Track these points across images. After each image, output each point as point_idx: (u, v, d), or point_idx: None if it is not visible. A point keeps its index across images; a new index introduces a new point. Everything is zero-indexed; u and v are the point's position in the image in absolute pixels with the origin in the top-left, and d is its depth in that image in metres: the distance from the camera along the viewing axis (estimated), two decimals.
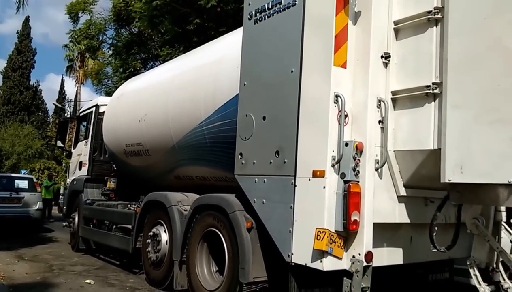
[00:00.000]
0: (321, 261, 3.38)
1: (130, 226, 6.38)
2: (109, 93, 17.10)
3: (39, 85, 44.13)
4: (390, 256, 3.84)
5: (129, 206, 7.06)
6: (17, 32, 41.41)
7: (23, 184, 11.77)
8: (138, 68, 17.58)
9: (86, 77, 30.88)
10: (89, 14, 18.43)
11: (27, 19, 41.42)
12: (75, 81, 35.64)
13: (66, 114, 31.46)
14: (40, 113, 42.62)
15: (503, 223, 3.59)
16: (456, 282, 5.03)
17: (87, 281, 6.06)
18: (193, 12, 11.58)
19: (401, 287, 4.68)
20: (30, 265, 7.22)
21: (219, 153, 5.21)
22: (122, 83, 16.14)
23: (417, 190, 3.72)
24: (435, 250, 3.48)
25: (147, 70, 17.93)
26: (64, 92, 45.52)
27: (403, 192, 3.64)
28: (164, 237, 5.57)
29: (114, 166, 8.38)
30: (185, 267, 5.05)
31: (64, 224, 9.36)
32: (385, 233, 3.74)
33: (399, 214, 3.70)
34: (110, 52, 19.25)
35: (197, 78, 5.52)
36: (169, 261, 5.38)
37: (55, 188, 17.25)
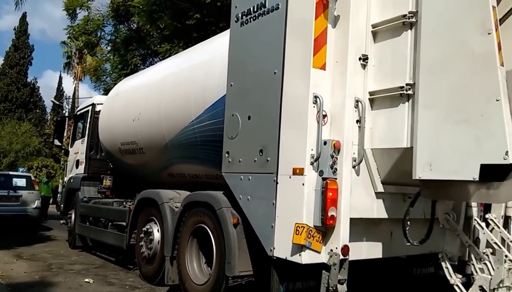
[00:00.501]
0: (299, 255, 3.59)
1: (124, 223, 6.60)
2: (107, 90, 17.10)
3: (36, 82, 44.34)
4: (369, 250, 4.05)
5: (124, 203, 7.28)
6: (14, 29, 41.69)
7: (21, 182, 11.87)
8: (137, 64, 17.46)
9: (85, 74, 30.93)
10: (87, 10, 18.41)
11: (24, 16, 41.58)
12: (73, 78, 35.64)
13: (64, 112, 31.68)
14: (38, 111, 42.74)
15: (475, 218, 3.78)
16: (441, 276, 5.21)
17: (86, 280, 6.11)
18: (193, 7, 11.62)
19: (385, 282, 4.88)
20: (28, 264, 7.26)
21: (209, 151, 5.41)
22: (121, 80, 16.30)
23: (395, 186, 3.91)
24: (409, 243, 3.67)
25: (146, 66, 17.92)
26: (62, 89, 45.46)
27: (380, 188, 3.84)
28: (157, 233, 5.81)
29: (110, 164, 8.60)
30: (176, 262, 5.27)
31: (61, 221, 9.63)
32: (364, 227, 3.95)
33: (377, 210, 3.90)
34: (109, 48, 19.17)
35: (188, 78, 5.75)
36: (161, 256, 5.61)
37: (53, 185, 17.44)
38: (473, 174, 2.96)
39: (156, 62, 17.19)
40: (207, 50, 5.75)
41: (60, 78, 47.28)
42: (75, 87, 35.53)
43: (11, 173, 14.32)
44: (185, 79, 5.84)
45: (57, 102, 37.31)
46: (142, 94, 6.99)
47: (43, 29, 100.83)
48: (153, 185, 6.49)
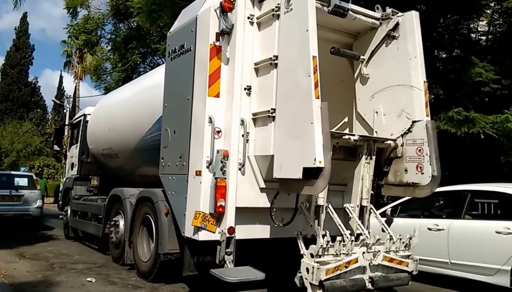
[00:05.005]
0: (197, 234, 5.23)
1: (101, 216, 8.37)
2: (108, 89, 18.56)
3: (37, 82, 46.43)
4: (262, 232, 5.59)
5: (106, 200, 9.03)
6: (15, 29, 44.12)
7: (23, 182, 12.73)
8: (137, 62, 18.70)
9: (85, 73, 32.37)
10: (87, 9, 19.71)
11: (24, 16, 43.95)
12: (73, 77, 37.69)
13: (65, 111, 33.40)
14: (39, 110, 44.79)
15: (329, 208, 5.22)
16: None
17: (89, 279, 6.47)
18: None
19: None
20: (31, 263, 7.68)
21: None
22: (121, 79, 17.88)
23: (276, 183, 5.43)
24: (276, 225, 5.22)
25: (147, 64, 19.36)
26: (63, 88, 47.62)
27: (262, 184, 5.40)
28: (122, 223, 7.53)
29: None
30: (132, 245, 6.98)
31: (60, 216, 11.57)
32: (257, 214, 5.48)
33: (263, 201, 5.43)
34: (109, 47, 20.47)
35: (144, 98, 7.54)
36: (124, 242, 7.32)
37: (45, 183, 19.02)
38: (299, 174, 4.51)
39: (156, 60, 18.59)
40: (156, 77, 7.35)
41: (61, 77, 49.50)
42: (75, 87, 37.45)
43: (12, 172, 15.18)
44: (142, 98, 7.62)
45: (58, 102, 39.01)
46: (115, 109, 8.81)
47: (42, 28, 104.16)
48: (130, 184, 8.16)
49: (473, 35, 14.13)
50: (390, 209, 7.76)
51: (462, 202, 6.94)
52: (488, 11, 13.08)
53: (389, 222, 5.96)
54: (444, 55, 13.89)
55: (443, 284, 7.03)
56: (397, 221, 6.48)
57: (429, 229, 6.99)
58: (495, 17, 13.86)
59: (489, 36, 14.09)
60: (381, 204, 11.27)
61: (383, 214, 7.25)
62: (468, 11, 12.31)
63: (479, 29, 14.21)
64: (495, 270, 6.22)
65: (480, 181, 7.58)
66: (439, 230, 6.94)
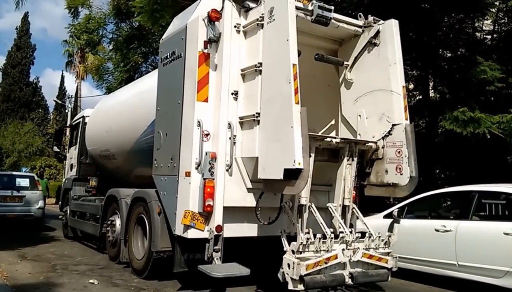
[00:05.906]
0: (187, 232, 5.71)
1: (98, 216, 8.90)
2: (110, 89, 19.04)
3: (38, 81, 47.35)
4: (249, 230, 6.04)
5: (103, 200, 9.55)
6: (16, 28, 44.99)
7: (24, 182, 13.00)
8: (139, 62, 19.23)
9: (87, 73, 33.18)
10: (88, 9, 20.35)
11: (26, 15, 44.87)
12: (75, 77, 38.36)
13: (67, 111, 34.08)
14: (40, 110, 45.56)
15: (312, 207, 5.67)
16: None
17: (91, 281, 6.57)
18: None
19: None
20: (33, 264, 7.80)
21: None
22: (123, 79, 18.39)
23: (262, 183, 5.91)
24: (261, 223, 5.69)
25: (149, 64, 19.79)
26: (64, 88, 48.61)
27: (249, 185, 5.86)
28: (118, 223, 8.04)
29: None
30: (127, 244, 7.48)
31: (60, 216, 12.14)
32: (245, 213, 5.93)
33: (250, 201, 5.89)
34: (111, 47, 21.10)
35: (139, 101, 8.03)
36: (120, 241, 7.83)
37: (47, 184, 19.68)
38: (280, 175, 4.98)
39: (157, 60, 19.11)
40: (151, 81, 7.82)
41: (62, 77, 51.64)
42: (77, 86, 38.28)
43: (14, 173, 15.53)
44: (138, 101, 8.13)
45: (60, 102, 39.84)
46: (113, 112, 9.35)
47: (43, 28, 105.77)
48: (127, 184, 8.65)
49: (478, 34, 14.44)
50: (397, 210, 7.94)
51: (469, 202, 7.00)
52: (493, 10, 13.38)
53: (395, 223, 6.30)
54: (449, 54, 14.26)
55: (451, 287, 7.16)
56: (403, 222, 6.65)
57: (436, 230, 7.06)
58: (500, 16, 14.18)
59: (494, 35, 14.40)
60: (388, 204, 11.71)
61: (389, 215, 7.57)
62: (472, 10, 12.66)
63: (484, 28, 14.50)
64: (503, 272, 6.20)
65: (487, 181, 7.80)
66: (446, 231, 6.95)
